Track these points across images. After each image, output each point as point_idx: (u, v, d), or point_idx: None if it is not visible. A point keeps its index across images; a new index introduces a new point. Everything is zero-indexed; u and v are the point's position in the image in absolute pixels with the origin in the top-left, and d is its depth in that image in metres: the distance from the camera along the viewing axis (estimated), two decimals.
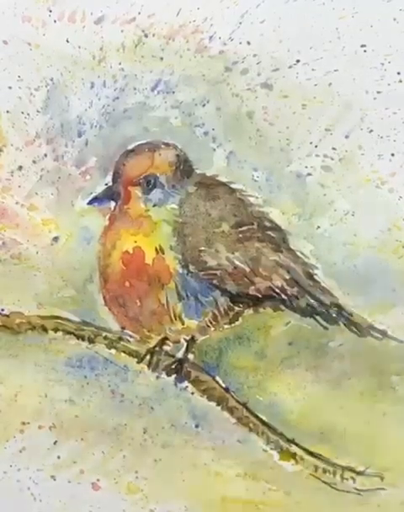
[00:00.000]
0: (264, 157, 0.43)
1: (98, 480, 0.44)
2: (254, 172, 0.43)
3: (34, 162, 0.44)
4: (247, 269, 0.42)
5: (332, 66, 0.42)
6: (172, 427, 0.43)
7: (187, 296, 0.42)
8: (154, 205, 0.43)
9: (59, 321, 0.44)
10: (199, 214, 0.42)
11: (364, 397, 0.42)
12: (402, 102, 0.42)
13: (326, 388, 0.42)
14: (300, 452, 0.43)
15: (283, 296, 0.42)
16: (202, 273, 0.42)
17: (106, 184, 0.43)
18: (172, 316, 0.43)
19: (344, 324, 0.43)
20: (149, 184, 0.43)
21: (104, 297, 0.44)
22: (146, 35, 0.43)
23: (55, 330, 0.44)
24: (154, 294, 0.43)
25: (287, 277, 0.42)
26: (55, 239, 0.44)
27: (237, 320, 0.43)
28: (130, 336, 0.44)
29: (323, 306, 0.42)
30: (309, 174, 0.42)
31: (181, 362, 0.43)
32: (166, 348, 0.44)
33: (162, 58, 0.43)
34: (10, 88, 0.44)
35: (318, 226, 0.42)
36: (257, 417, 0.43)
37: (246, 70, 0.43)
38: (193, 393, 0.43)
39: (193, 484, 0.43)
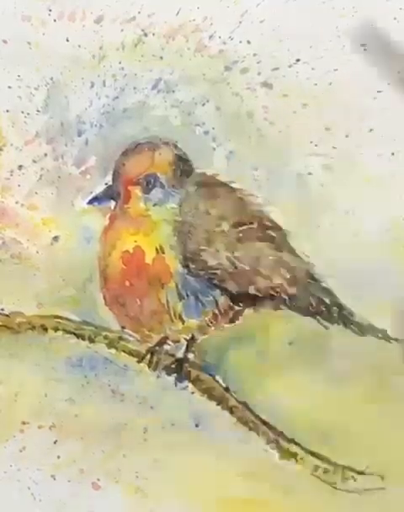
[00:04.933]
0: (264, 157, 0.43)
1: (98, 480, 0.44)
2: (254, 171, 0.43)
3: (34, 161, 0.44)
4: (248, 269, 0.42)
5: (332, 66, 0.42)
6: (172, 427, 0.43)
7: (187, 295, 0.42)
8: (154, 205, 0.43)
9: (59, 320, 0.44)
10: (199, 213, 0.42)
11: (364, 397, 0.42)
12: (402, 101, 0.42)
13: (327, 388, 0.42)
14: (300, 452, 0.43)
15: (283, 296, 0.42)
16: (202, 272, 0.42)
17: (106, 184, 0.43)
18: (173, 315, 0.43)
19: (344, 324, 0.42)
20: (149, 183, 0.43)
21: (104, 297, 0.44)
22: (145, 35, 0.43)
23: (55, 329, 0.44)
24: (154, 293, 0.43)
25: (287, 276, 0.42)
26: (56, 239, 0.44)
27: (238, 319, 0.43)
28: (130, 335, 0.44)
29: (324, 305, 0.42)
30: (309, 173, 0.42)
31: (181, 362, 0.43)
32: (166, 347, 0.44)
33: (161, 57, 0.43)
34: (10, 87, 0.44)
35: (318, 226, 0.42)
36: (257, 417, 0.43)
37: (246, 69, 0.43)
38: (193, 393, 0.43)
39: (193, 484, 0.43)
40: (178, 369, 0.43)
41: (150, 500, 0.43)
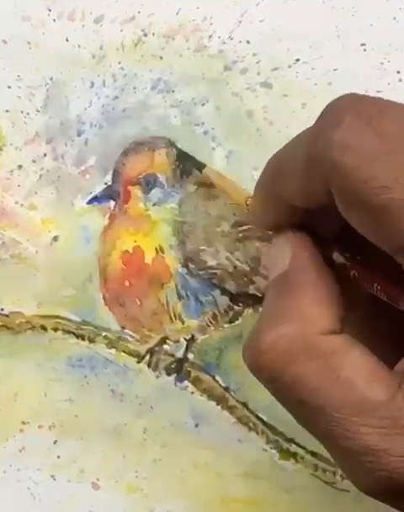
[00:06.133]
0: (264, 157, 0.42)
1: (97, 480, 0.44)
2: (254, 171, 0.43)
3: (33, 161, 0.44)
4: (247, 269, 0.42)
5: (332, 66, 0.42)
6: (172, 426, 0.43)
7: (187, 295, 0.42)
8: (154, 205, 0.43)
9: (59, 320, 0.44)
10: (198, 213, 0.42)
11: None
12: (402, 101, 0.42)
13: None
14: (300, 452, 0.43)
15: None
16: (202, 272, 0.42)
17: (106, 184, 0.43)
18: (172, 315, 0.43)
19: None
20: (149, 183, 0.43)
21: (104, 297, 0.44)
22: (145, 34, 0.43)
23: (55, 329, 0.44)
24: (154, 293, 0.43)
25: None
26: (55, 238, 0.44)
27: (237, 319, 0.43)
28: (130, 336, 0.44)
29: None
30: None
31: (181, 361, 0.43)
32: (166, 347, 0.44)
33: (161, 57, 0.43)
34: (9, 87, 0.44)
35: None
36: (257, 416, 0.43)
37: (245, 69, 0.43)
38: (193, 393, 0.43)
39: (193, 484, 0.43)
40: (178, 369, 0.43)
41: (150, 500, 0.43)
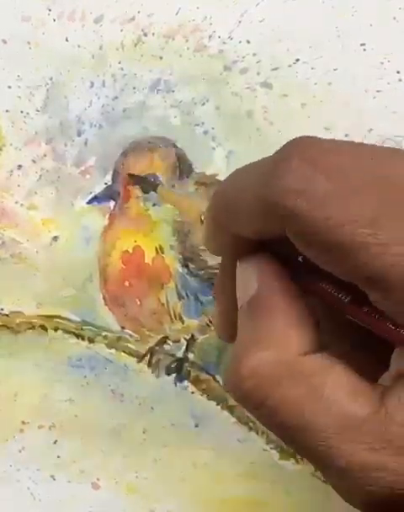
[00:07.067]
0: (264, 156, 0.43)
1: (97, 480, 0.44)
2: None
3: (33, 161, 0.44)
4: None
5: (332, 65, 0.42)
6: (172, 426, 0.43)
7: (187, 295, 0.42)
8: (154, 205, 0.43)
9: (59, 320, 0.44)
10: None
11: None
12: (402, 101, 0.42)
13: None
14: None
15: None
16: (202, 272, 0.42)
17: (106, 184, 0.43)
18: (172, 315, 0.43)
19: None
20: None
21: (104, 297, 0.44)
22: (145, 34, 0.43)
23: (55, 329, 0.44)
24: (154, 293, 0.43)
25: None
26: (55, 239, 0.44)
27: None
28: (130, 336, 0.44)
29: None
30: None
31: (181, 361, 0.43)
32: (166, 347, 0.44)
33: (161, 57, 0.43)
34: (9, 87, 0.44)
35: None
36: None
37: (245, 69, 0.43)
38: (193, 393, 0.43)
39: (193, 484, 0.43)
40: (178, 369, 0.43)
41: (150, 500, 0.43)
